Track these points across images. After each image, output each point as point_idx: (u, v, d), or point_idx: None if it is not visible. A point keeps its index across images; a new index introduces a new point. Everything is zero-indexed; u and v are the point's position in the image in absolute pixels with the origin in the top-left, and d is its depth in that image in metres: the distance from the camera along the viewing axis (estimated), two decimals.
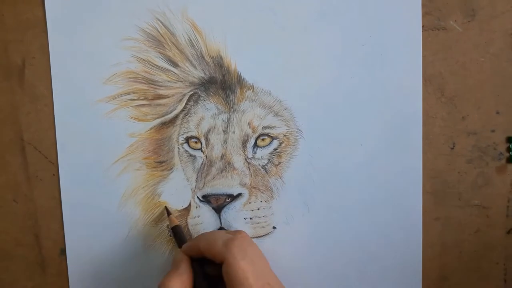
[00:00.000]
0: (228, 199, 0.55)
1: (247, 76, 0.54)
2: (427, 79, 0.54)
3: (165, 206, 0.55)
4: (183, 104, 0.54)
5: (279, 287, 0.47)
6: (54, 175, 0.56)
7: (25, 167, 0.56)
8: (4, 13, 0.54)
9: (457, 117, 0.54)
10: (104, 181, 0.55)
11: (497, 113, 0.54)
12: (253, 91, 0.54)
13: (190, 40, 0.53)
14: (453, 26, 0.53)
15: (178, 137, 0.55)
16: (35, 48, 0.54)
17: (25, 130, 0.55)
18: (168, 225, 0.55)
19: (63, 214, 0.56)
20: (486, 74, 0.54)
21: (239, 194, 0.55)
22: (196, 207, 0.55)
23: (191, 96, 0.54)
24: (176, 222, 0.54)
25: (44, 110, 0.55)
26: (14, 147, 0.55)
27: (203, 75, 0.54)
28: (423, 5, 0.53)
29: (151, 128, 0.54)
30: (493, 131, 0.54)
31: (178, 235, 0.53)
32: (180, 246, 0.52)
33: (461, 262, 0.56)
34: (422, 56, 0.54)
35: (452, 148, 0.55)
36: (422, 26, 0.53)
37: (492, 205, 0.55)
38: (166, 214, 0.55)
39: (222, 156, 0.54)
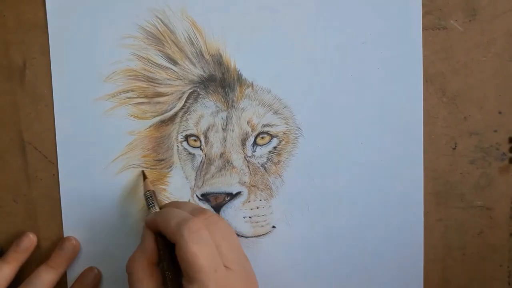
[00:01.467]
0: (227, 198, 0.54)
1: (246, 74, 0.54)
2: (428, 79, 0.53)
3: (142, 171, 0.55)
4: (183, 102, 0.54)
5: (240, 270, 0.46)
6: (54, 175, 0.56)
7: (25, 167, 0.56)
8: (5, 13, 0.55)
9: (459, 117, 0.54)
10: (103, 180, 0.55)
11: (500, 113, 0.54)
12: (252, 89, 0.54)
13: (190, 38, 0.54)
14: (454, 25, 0.53)
15: (177, 135, 0.55)
16: (36, 49, 0.55)
17: (26, 130, 0.56)
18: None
19: (62, 213, 0.56)
20: (488, 74, 0.53)
21: (238, 193, 0.54)
22: None
23: (190, 94, 0.54)
24: (151, 187, 0.53)
25: (44, 111, 0.55)
26: (14, 147, 0.56)
27: (202, 73, 0.54)
28: (423, 5, 0.53)
29: (150, 126, 0.55)
30: (495, 131, 0.54)
31: (150, 201, 0.52)
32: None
33: (464, 264, 0.55)
34: (423, 56, 0.53)
35: (454, 149, 0.54)
36: (423, 26, 0.53)
37: (495, 206, 0.54)
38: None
39: (221, 154, 0.54)
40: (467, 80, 0.54)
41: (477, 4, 0.53)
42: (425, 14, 0.53)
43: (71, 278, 0.56)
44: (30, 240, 0.54)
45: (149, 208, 0.52)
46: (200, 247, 0.43)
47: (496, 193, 0.54)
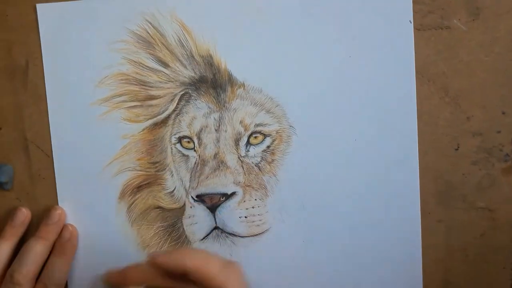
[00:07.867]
0: (222, 198, 0.55)
1: (237, 74, 0.54)
2: (430, 79, 0.53)
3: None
4: (175, 104, 0.55)
5: None
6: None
7: (28, 166, 0.57)
8: (8, 13, 0.56)
9: (461, 117, 0.53)
10: (99, 183, 0.56)
11: (503, 113, 0.52)
12: (244, 89, 0.54)
13: (180, 40, 0.54)
14: (457, 25, 0.52)
15: (170, 137, 0.56)
16: (38, 49, 0.56)
17: (28, 130, 0.57)
18: None
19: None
20: (491, 73, 0.52)
21: (233, 193, 0.55)
22: (191, 207, 0.56)
23: (182, 96, 0.55)
24: None
25: (47, 110, 0.56)
26: (18, 146, 0.57)
27: (193, 74, 0.54)
28: (426, 4, 0.52)
29: (143, 129, 0.55)
30: (498, 132, 0.53)
31: None
32: None
33: (466, 266, 0.54)
34: (425, 55, 0.52)
35: (457, 149, 0.53)
36: (425, 25, 0.52)
37: (498, 207, 0.53)
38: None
39: (215, 155, 0.55)
40: (469, 80, 0.52)
41: (481, 3, 0.51)
42: (428, 13, 0.52)
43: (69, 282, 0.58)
44: (24, 214, 0.56)
45: None
46: None
47: (499, 194, 0.53)
